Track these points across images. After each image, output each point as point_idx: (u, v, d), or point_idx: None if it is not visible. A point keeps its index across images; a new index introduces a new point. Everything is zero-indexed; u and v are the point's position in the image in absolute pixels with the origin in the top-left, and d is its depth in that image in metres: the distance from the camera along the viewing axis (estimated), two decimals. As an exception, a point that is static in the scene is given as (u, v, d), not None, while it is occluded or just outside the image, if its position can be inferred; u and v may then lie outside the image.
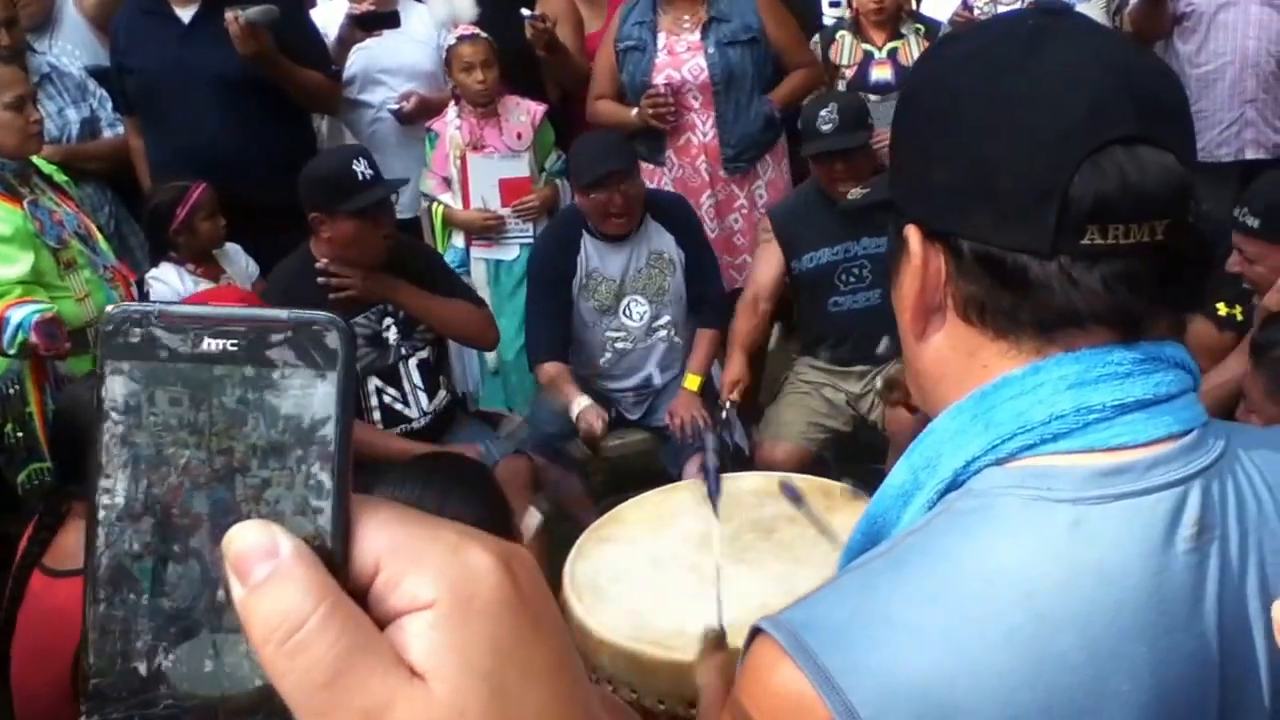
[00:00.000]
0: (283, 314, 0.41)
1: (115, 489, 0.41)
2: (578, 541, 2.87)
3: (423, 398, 3.58)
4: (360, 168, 3.33)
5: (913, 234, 0.92)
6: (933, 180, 0.91)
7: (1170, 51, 4.63)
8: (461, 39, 4.18)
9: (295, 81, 4.10)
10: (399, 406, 3.54)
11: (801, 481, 2.97)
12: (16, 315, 3.02)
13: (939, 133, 0.91)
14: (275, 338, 0.41)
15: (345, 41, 4.43)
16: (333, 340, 0.41)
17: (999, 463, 0.87)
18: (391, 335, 3.50)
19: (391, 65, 4.51)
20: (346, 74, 4.47)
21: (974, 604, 0.83)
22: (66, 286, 3.23)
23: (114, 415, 0.41)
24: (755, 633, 0.87)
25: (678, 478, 3.51)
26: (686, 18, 4.22)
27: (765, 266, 3.84)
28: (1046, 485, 0.85)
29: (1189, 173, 0.86)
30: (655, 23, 4.24)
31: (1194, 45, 4.57)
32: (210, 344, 0.41)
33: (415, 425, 3.55)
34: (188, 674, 0.41)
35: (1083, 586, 0.82)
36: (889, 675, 0.81)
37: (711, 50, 4.17)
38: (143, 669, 0.41)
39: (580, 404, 3.66)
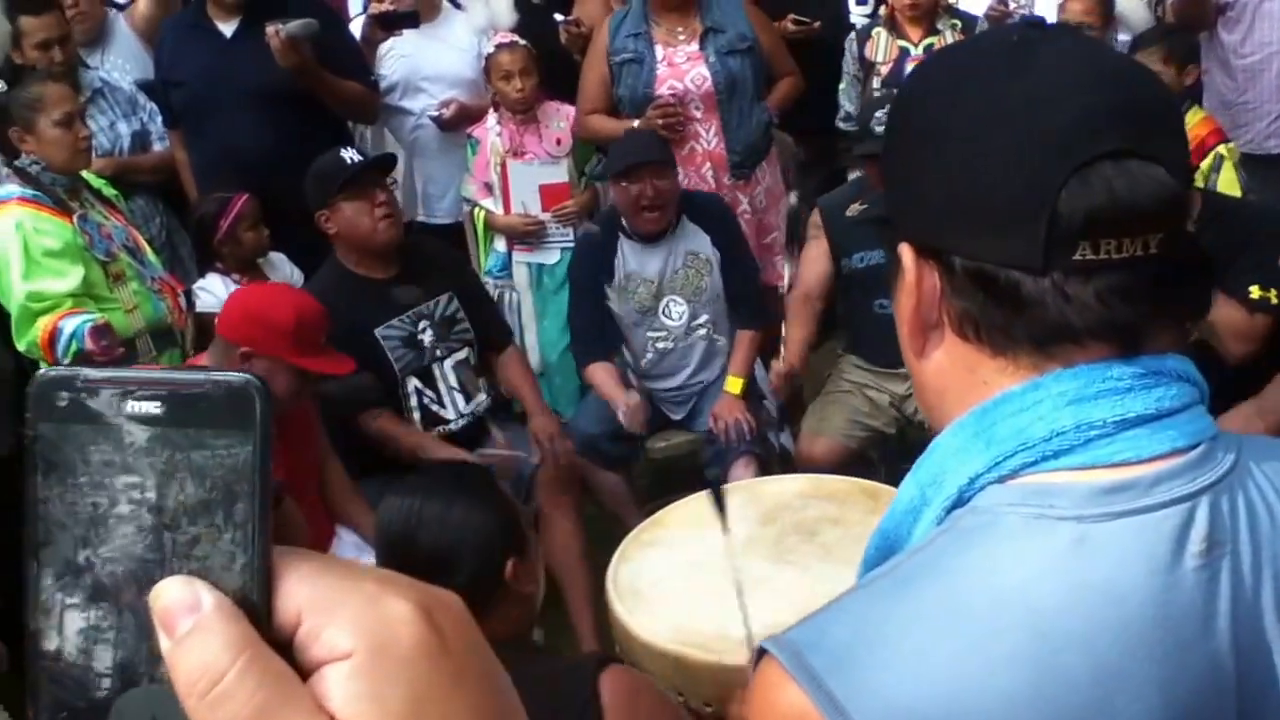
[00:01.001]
0: (201, 376, 0.43)
1: (52, 547, 0.42)
2: (620, 545, 2.89)
3: (459, 399, 3.62)
4: (348, 155, 3.50)
5: (905, 251, 0.91)
6: (923, 196, 0.90)
7: (1215, 42, 4.58)
8: (500, 47, 4.22)
9: (335, 92, 4.15)
10: (435, 408, 3.59)
11: (809, 481, 2.97)
12: (69, 326, 3.11)
13: (927, 148, 0.90)
14: (196, 399, 0.42)
15: (369, 40, 4.49)
16: (251, 399, 0.43)
17: (1001, 480, 0.86)
18: (427, 338, 3.55)
19: (432, 73, 4.55)
20: (388, 81, 4.52)
21: (977, 624, 0.82)
22: (115, 298, 3.29)
23: (46, 476, 0.43)
24: (761, 653, 0.87)
25: (722, 480, 3.52)
26: (681, 30, 4.22)
27: (814, 264, 3.82)
28: (1049, 503, 0.84)
29: (1181, 184, 0.85)
30: (650, 35, 4.23)
31: (1239, 35, 4.52)
32: (133, 407, 0.42)
33: (452, 426, 3.60)
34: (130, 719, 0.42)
35: (1087, 605, 0.81)
36: (892, 697, 0.81)
37: (713, 59, 4.17)
38: (88, 715, 0.42)
39: (624, 399, 3.69)
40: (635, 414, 3.68)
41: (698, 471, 3.81)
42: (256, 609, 0.42)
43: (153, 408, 0.42)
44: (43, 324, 3.13)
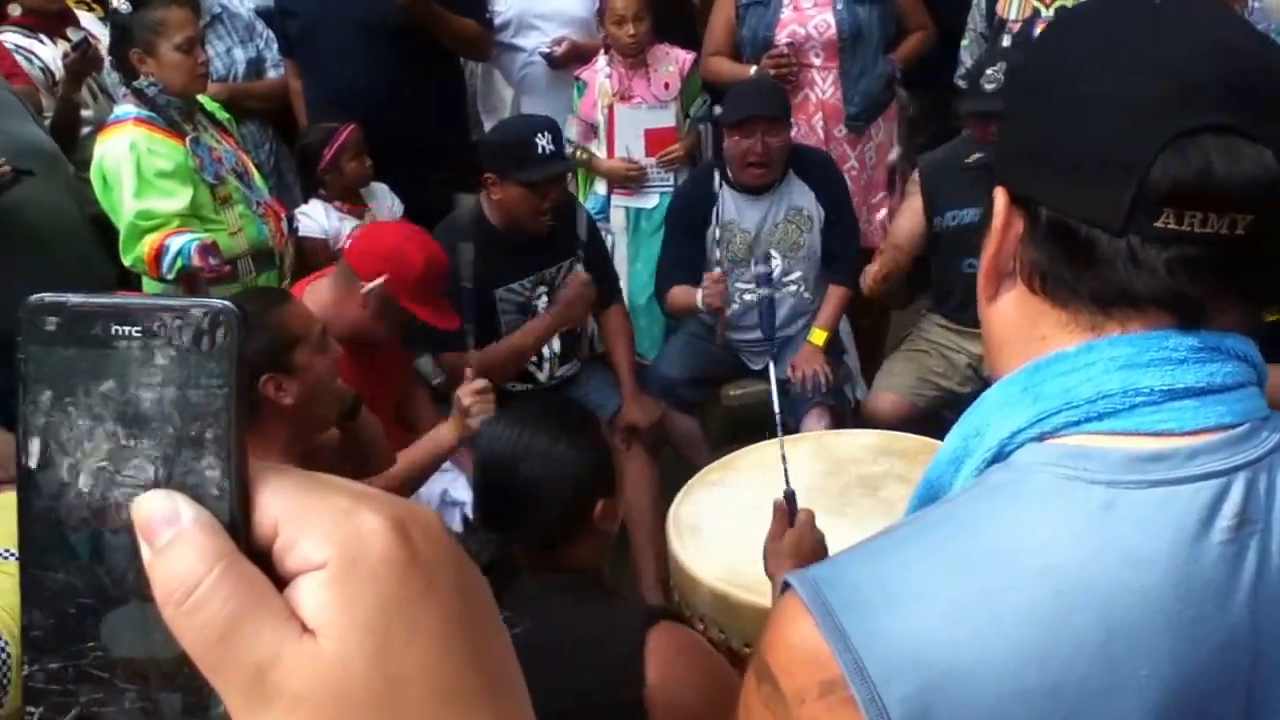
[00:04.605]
0: (183, 302, 0.46)
1: (42, 467, 0.45)
2: (688, 483, 2.94)
3: (556, 364, 3.71)
4: (543, 141, 3.45)
5: (1000, 195, 0.92)
6: (1025, 143, 0.91)
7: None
8: (615, -11, 4.20)
9: (448, 29, 4.20)
10: (531, 368, 3.67)
11: (881, 437, 2.96)
12: (176, 243, 3.20)
13: (1039, 96, 0.91)
14: (177, 323, 0.45)
15: None
16: (228, 323, 0.45)
17: (1042, 438, 0.87)
18: (541, 304, 3.62)
19: (546, 10, 4.56)
20: (501, 18, 4.54)
21: (991, 576, 0.83)
22: (221, 220, 3.39)
23: (35, 399, 0.45)
24: (785, 586, 0.89)
25: (796, 430, 3.54)
26: None
27: (905, 220, 3.80)
28: (1083, 465, 0.84)
29: None
30: None
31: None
32: (117, 329, 0.45)
33: (543, 385, 3.69)
34: (119, 636, 0.44)
35: (1106, 568, 0.82)
36: (900, 640, 0.82)
37: (841, 7, 4.11)
38: (77, 627, 0.44)
39: (701, 292, 3.69)
40: (716, 286, 3.66)
41: (771, 420, 3.82)
42: (234, 522, 0.44)
43: (135, 331, 0.45)
44: (150, 241, 3.23)
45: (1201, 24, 0.87)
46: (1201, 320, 0.86)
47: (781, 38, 4.12)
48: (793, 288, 3.90)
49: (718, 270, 3.73)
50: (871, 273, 3.61)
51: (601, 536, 2.03)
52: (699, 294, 3.68)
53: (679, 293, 3.82)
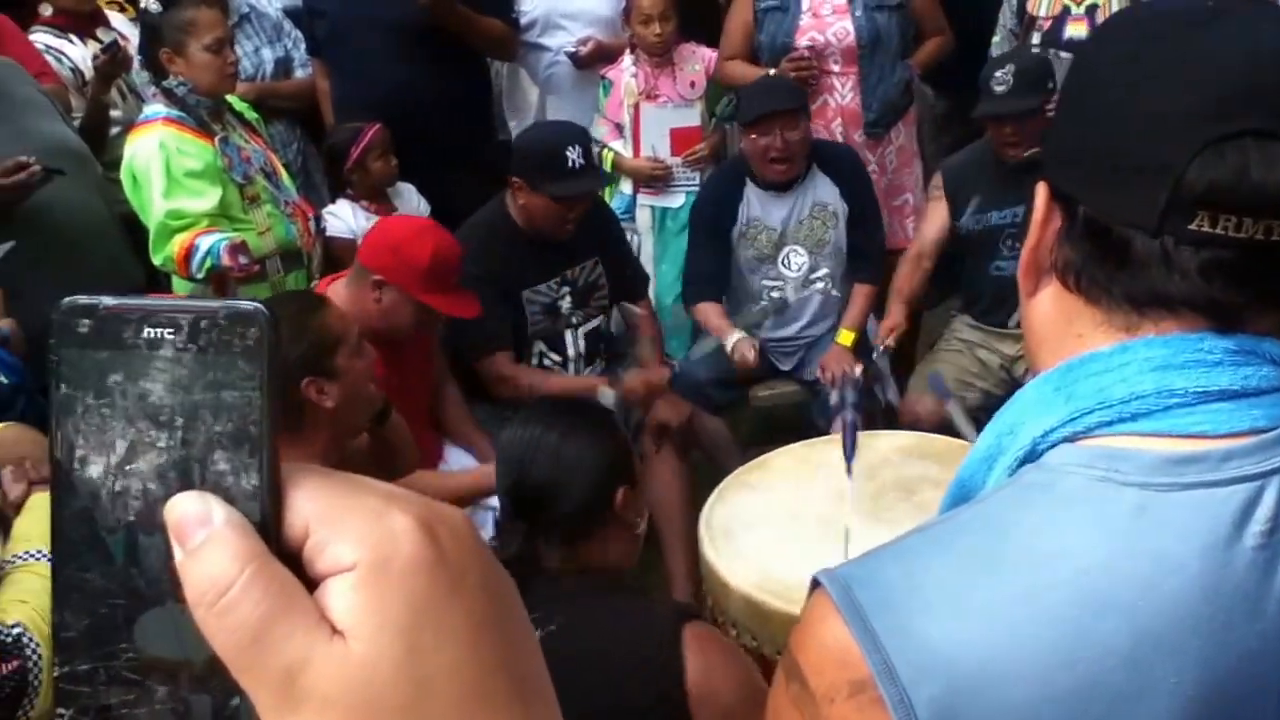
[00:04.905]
0: (215, 304, 0.45)
1: (76, 468, 0.45)
2: (720, 485, 2.93)
3: (581, 365, 3.71)
4: (573, 154, 3.42)
5: (1041, 190, 0.92)
6: (1068, 140, 0.92)
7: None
8: (641, -10, 4.20)
9: (474, 29, 4.20)
10: (557, 370, 3.67)
11: (914, 439, 2.96)
12: (205, 242, 3.22)
13: (1085, 93, 0.91)
14: (209, 325, 0.45)
15: None
16: (260, 325, 0.45)
17: (1074, 438, 0.86)
18: (565, 304, 3.62)
19: (572, 10, 4.57)
20: (528, 18, 4.55)
21: (1022, 578, 0.83)
22: (250, 220, 3.40)
23: (68, 400, 0.45)
24: (815, 585, 0.89)
25: (826, 431, 3.51)
26: None
27: (931, 223, 3.82)
28: (1115, 467, 0.83)
29: None
30: None
31: None
32: (151, 332, 0.45)
33: None
34: (151, 638, 0.44)
35: (1137, 573, 0.81)
36: (929, 641, 0.82)
37: (859, 14, 4.11)
38: (109, 629, 0.44)
39: (734, 336, 3.70)
40: (746, 356, 3.68)
41: (802, 421, 3.82)
42: (266, 523, 0.44)
43: (168, 334, 0.45)
44: (179, 240, 3.24)
45: (1245, 28, 0.86)
46: (1237, 324, 0.85)
47: (801, 44, 4.13)
48: (820, 285, 3.89)
49: (750, 344, 3.70)
50: (884, 329, 3.66)
51: (627, 531, 2.03)
52: (730, 341, 3.68)
53: (710, 314, 3.81)
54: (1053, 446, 0.88)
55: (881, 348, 3.62)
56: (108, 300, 0.45)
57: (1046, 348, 0.93)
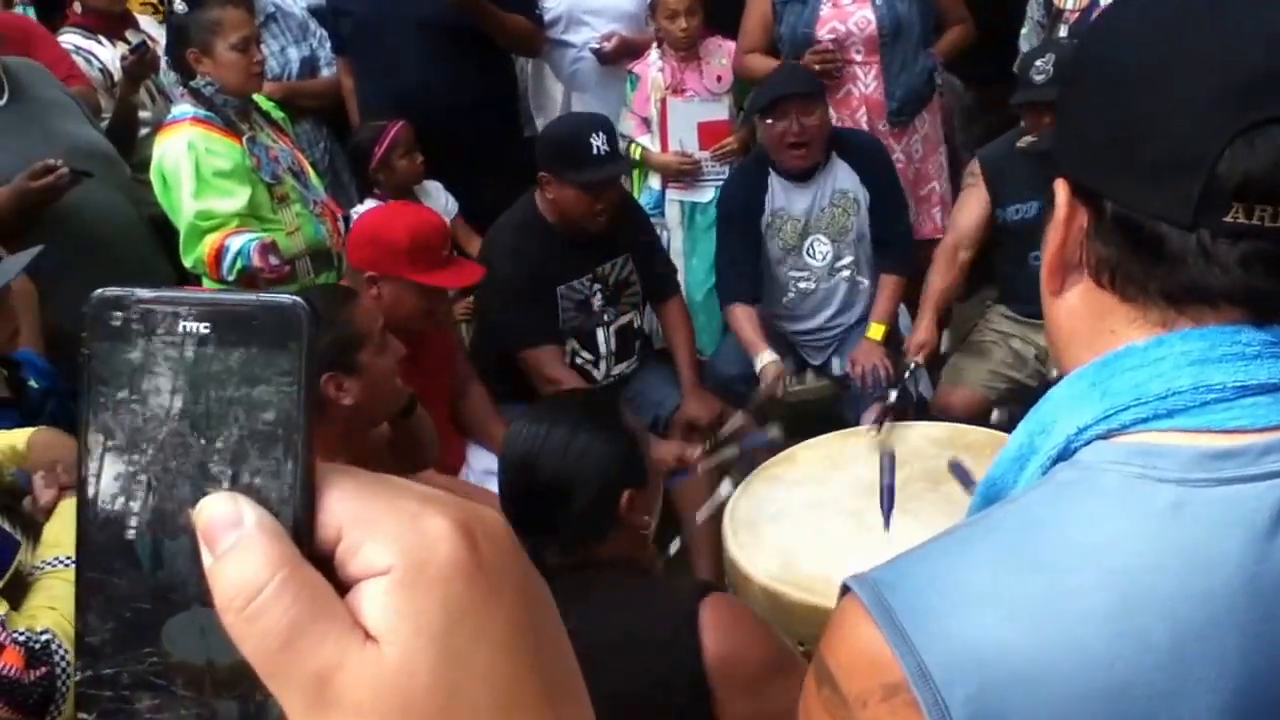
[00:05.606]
0: (251, 297, 0.44)
1: (104, 468, 0.43)
2: (746, 478, 2.92)
3: (613, 362, 3.70)
4: (597, 141, 3.42)
5: (1061, 187, 0.90)
6: (1087, 135, 0.89)
7: None
8: (667, -15, 4.19)
9: (499, 26, 4.20)
10: (589, 368, 3.67)
11: (948, 430, 2.94)
12: (235, 244, 3.22)
13: (1100, 85, 0.89)
14: (245, 319, 0.43)
15: None
16: (298, 321, 0.43)
17: (1109, 434, 0.85)
18: (597, 301, 3.62)
19: (596, 5, 4.56)
20: (551, 14, 4.55)
21: (1057, 577, 0.82)
22: (279, 220, 3.40)
23: (98, 397, 0.43)
24: (845, 589, 0.88)
25: (856, 424, 3.50)
26: None
27: (968, 212, 3.75)
28: (1151, 464, 0.82)
29: None
30: None
31: None
32: (185, 327, 0.43)
33: (599, 385, 3.67)
34: (177, 642, 0.43)
35: (1174, 569, 0.80)
36: (964, 643, 0.81)
37: (880, 2, 4.08)
38: (135, 633, 0.43)
39: (763, 358, 3.67)
40: (772, 388, 3.65)
41: (832, 416, 3.79)
42: (298, 526, 0.43)
43: (203, 328, 0.43)
44: (209, 241, 3.24)
45: (1256, 10, 0.84)
46: (1275, 316, 0.84)
47: (822, 34, 4.09)
48: (845, 273, 3.86)
49: (777, 372, 3.67)
50: (914, 346, 3.62)
51: (635, 529, 1.99)
52: (759, 362, 3.65)
53: (743, 324, 3.77)
54: (1087, 444, 0.86)
55: (914, 365, 3.58)
56: (141, 292, 0.44)
57: (1076, 345, 0.91)
